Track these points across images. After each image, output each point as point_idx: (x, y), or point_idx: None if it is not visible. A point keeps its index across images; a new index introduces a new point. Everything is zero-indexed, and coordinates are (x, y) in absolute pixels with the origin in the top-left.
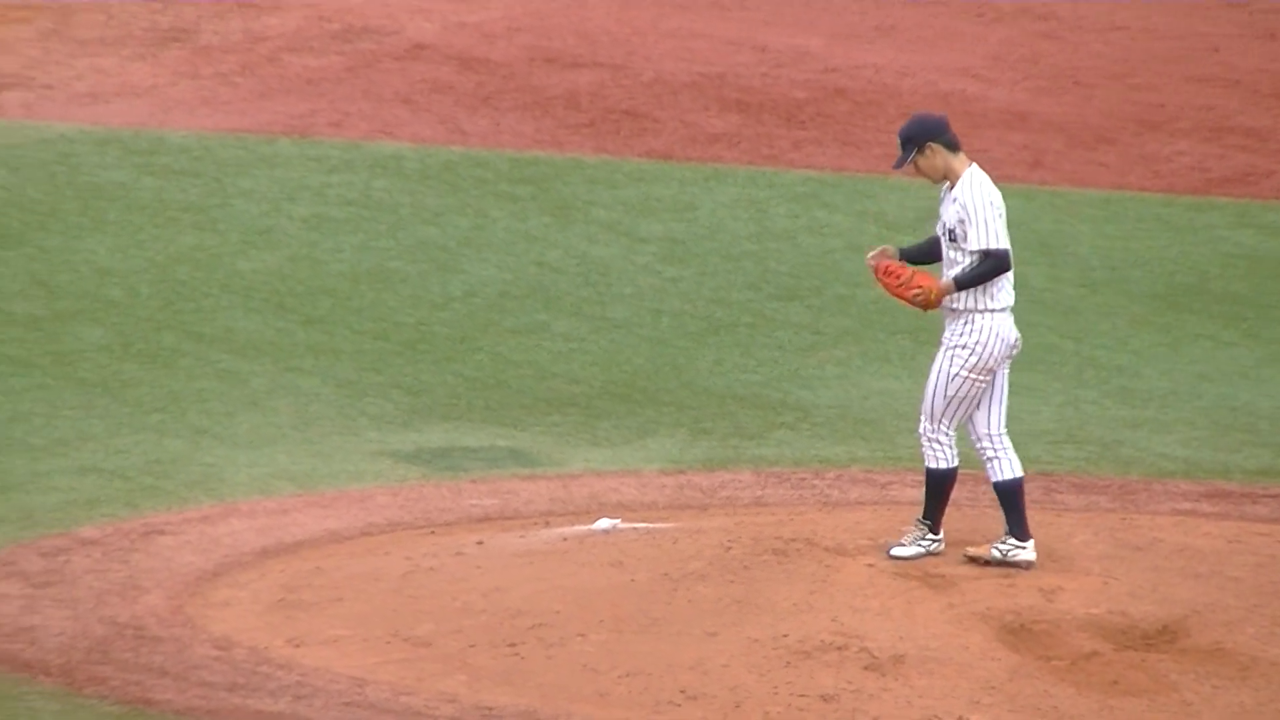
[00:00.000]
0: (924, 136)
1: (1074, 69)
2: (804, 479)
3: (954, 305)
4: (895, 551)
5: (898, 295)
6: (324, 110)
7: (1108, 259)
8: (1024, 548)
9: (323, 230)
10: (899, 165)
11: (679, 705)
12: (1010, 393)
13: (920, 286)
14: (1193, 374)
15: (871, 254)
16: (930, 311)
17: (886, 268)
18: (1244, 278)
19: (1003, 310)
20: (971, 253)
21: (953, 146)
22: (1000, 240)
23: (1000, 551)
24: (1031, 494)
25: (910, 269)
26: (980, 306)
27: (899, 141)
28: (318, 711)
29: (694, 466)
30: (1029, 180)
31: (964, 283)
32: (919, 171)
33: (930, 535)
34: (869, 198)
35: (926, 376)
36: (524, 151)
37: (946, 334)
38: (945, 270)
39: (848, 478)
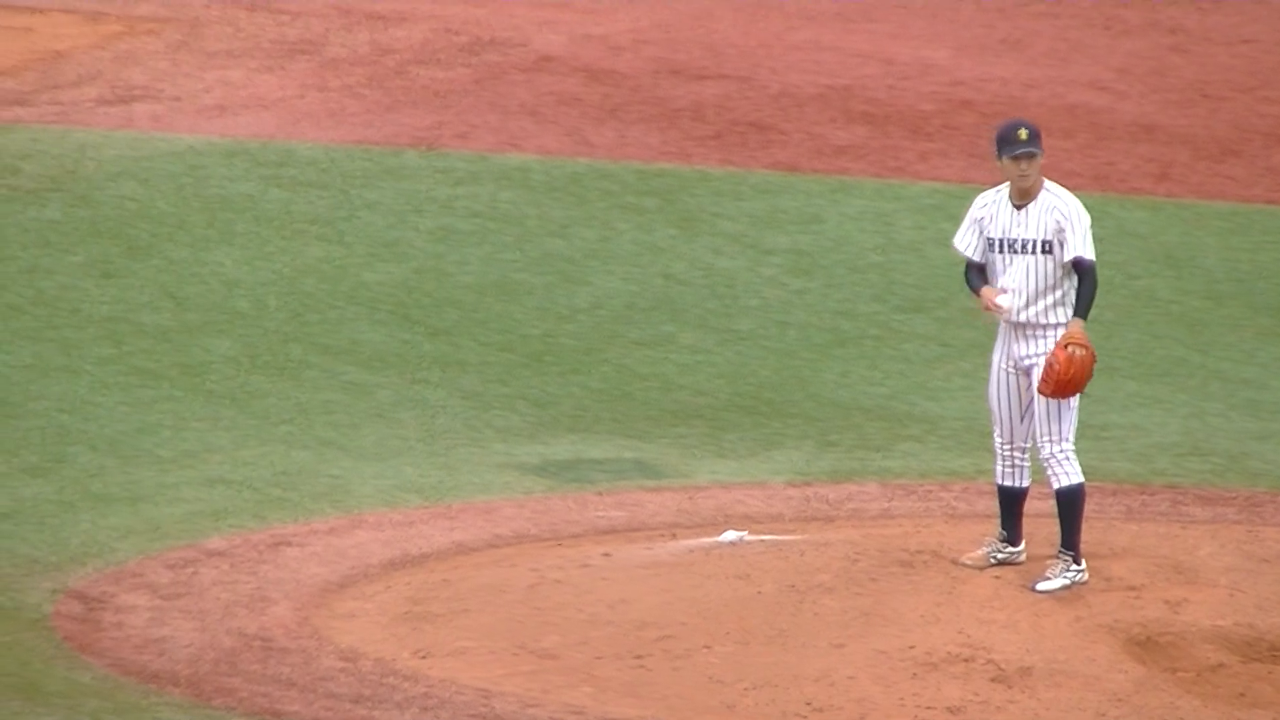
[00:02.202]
0: (1041, 141)
1: (1202, 81)
2: (930, 491)
3: (1042, 320)
4: (1041, 586)
5: (1087, 374)
6: (451, 123)
7: (1234, 271)
8: (1018, 551)
9: (449, 242)
10: (1036, 151)
11: (805, 717)
12: (1138, 404)
13: (1073, 360)
14: None
15: (992, 299)
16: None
17: (1058, 369)
18: None
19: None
20: (1065, 263)
21: None
22: (1092, 250)
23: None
24: (1158, 506)
25: (1060, 353)
26: (1065, 320)
27: (1030, 132)
28: None
29: (820, 478)
30: (1155, 193)
31: (1084, 312)
32: (1026, 174)
33: (1075, 566)
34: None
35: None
36: (650, 163)
37: (1036, 350)
38: (1005, 287)
39: (974, 490)
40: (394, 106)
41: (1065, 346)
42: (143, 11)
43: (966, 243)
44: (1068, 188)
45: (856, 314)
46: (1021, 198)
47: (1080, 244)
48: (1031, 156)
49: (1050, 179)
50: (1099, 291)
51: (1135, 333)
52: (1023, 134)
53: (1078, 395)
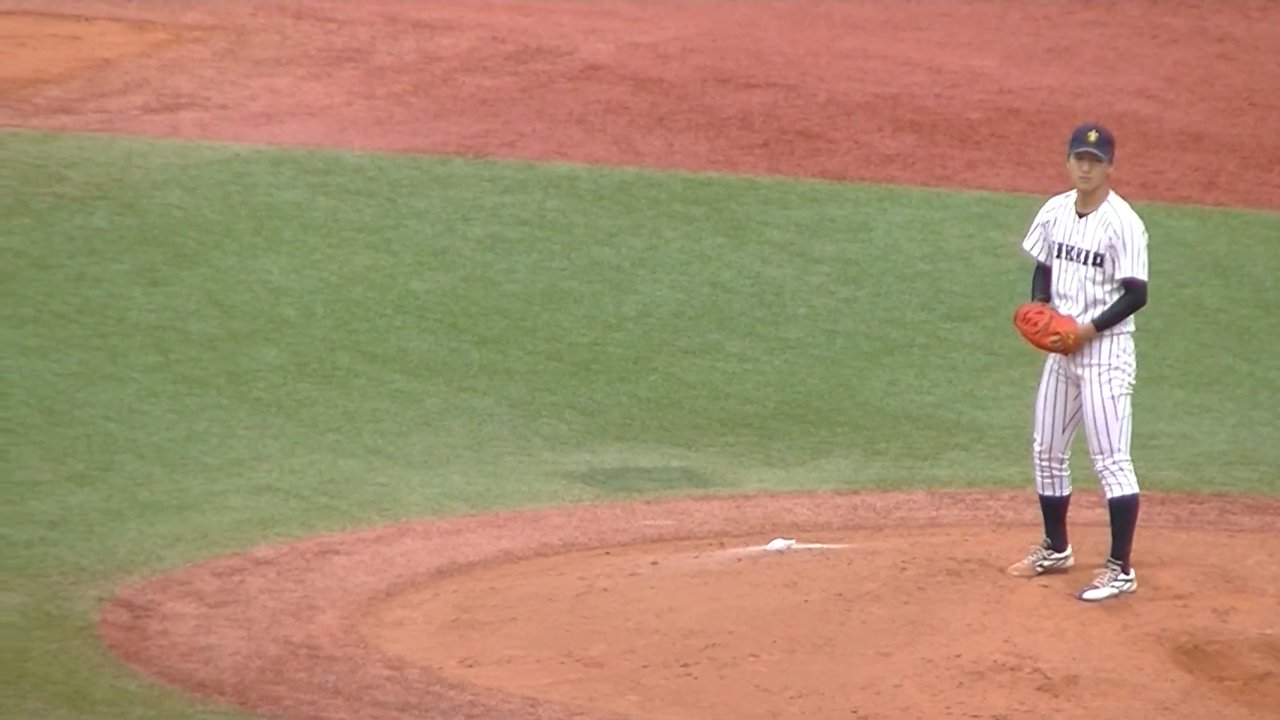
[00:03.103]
0: (1113, 153)
1: (1250, 90)
2: (978, 500)
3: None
4: (1088, 595)
5: (1035, 342)
6: (498, 130)
7: None
8: (1065, 556)
9: (497, 250)
10: (1102, 154)
11: None
12: (1186, 413)
13: (1057, 332)
14: None
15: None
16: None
17: (1024, 314)
18: None
19: (1133, 331)
20: (1116, 280)
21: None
22: (1144, 271)
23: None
24: (1206, 515)
25: (1048, 313)
26: (1121, 329)
27: (1099, 135)
28: None
29: (868, 487)
30: (1203, 201)
31: (1104, 324)
32: (1088, 177)
33: (1123, 575)
34: None
35: (1060, 408)
36: (698, 172)
37: (1088, 359)
38: (1062, 294)
39: (1022, 499)
40: (441, 114)
41: (1031, 322)
42: (189, 20)
43: (1032, 242)
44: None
45: (904, 322)
46: (1084, 205)
47: (1131, 264)
48: (1095, 159)
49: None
50: (1149, 304)
51: (1183, 341)
52: (1091, 135)
53: (1127, 404)
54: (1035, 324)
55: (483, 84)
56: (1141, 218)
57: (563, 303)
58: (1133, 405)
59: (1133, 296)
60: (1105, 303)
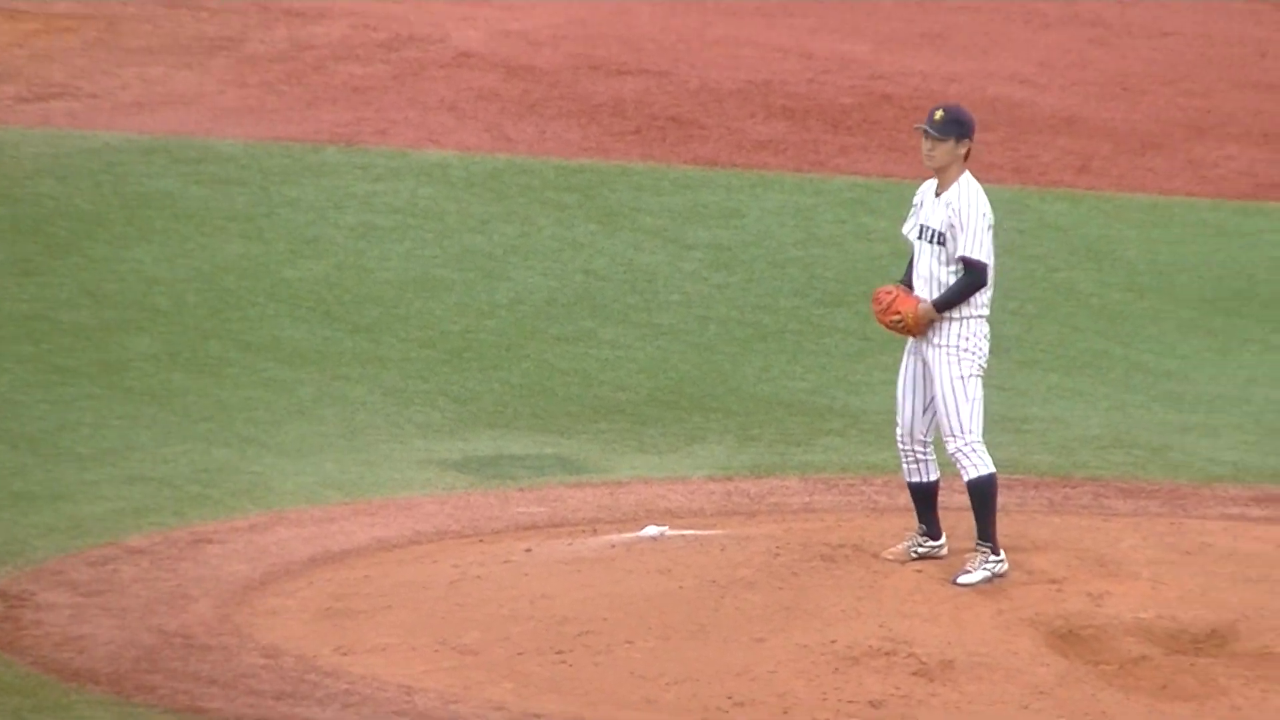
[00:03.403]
0: (968, 132)
1: (1122, 74)
2: (852, 485)
3: (949, 313)
4: (961, 580)
5: (880, 322)
6: (370, 118)
7: (1155, 264)
8: (939, 545)
9: (369, 239)
10: (938, 133)
11: (727, 712)
12: (1060, 397)
13: (899, 312)
14: (1241, 378)
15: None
16: (919, 331)
17: (875, 295)
18: None
19: (988, 315)
20: (955, 259)
21: (968, 154)
22: (984, 252)
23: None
24: (1080, 499)
25: (895, 293)
26: (973, 312)
27: (944, 115)
28: None
29: (742, 473)
30: (1076, 185)
31: (943, 305)
32: (930, 155)
33: (994, 557)
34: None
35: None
36: (570, 159)
37: (937, 340)
38: (918, 275)
39: (895, 483)
40: (313, 102)
41: (877, 301)
42: (61, 9)
43: (908, 226)
44: (988, 181)
45: (777, 308)
46: (940, 185)
47: (968, 243)
48: (935, 138)
49: (974, 172)
50: (1022, 288)
51: (1056, 325)
52: (937, 115)
53: (978, 385)
54: (881, 303)
55: (355, 72)
56: (1014, 203)
57: (435, 290)
58: (1002, 389)
59: (970, 277)
60: (949, 282)
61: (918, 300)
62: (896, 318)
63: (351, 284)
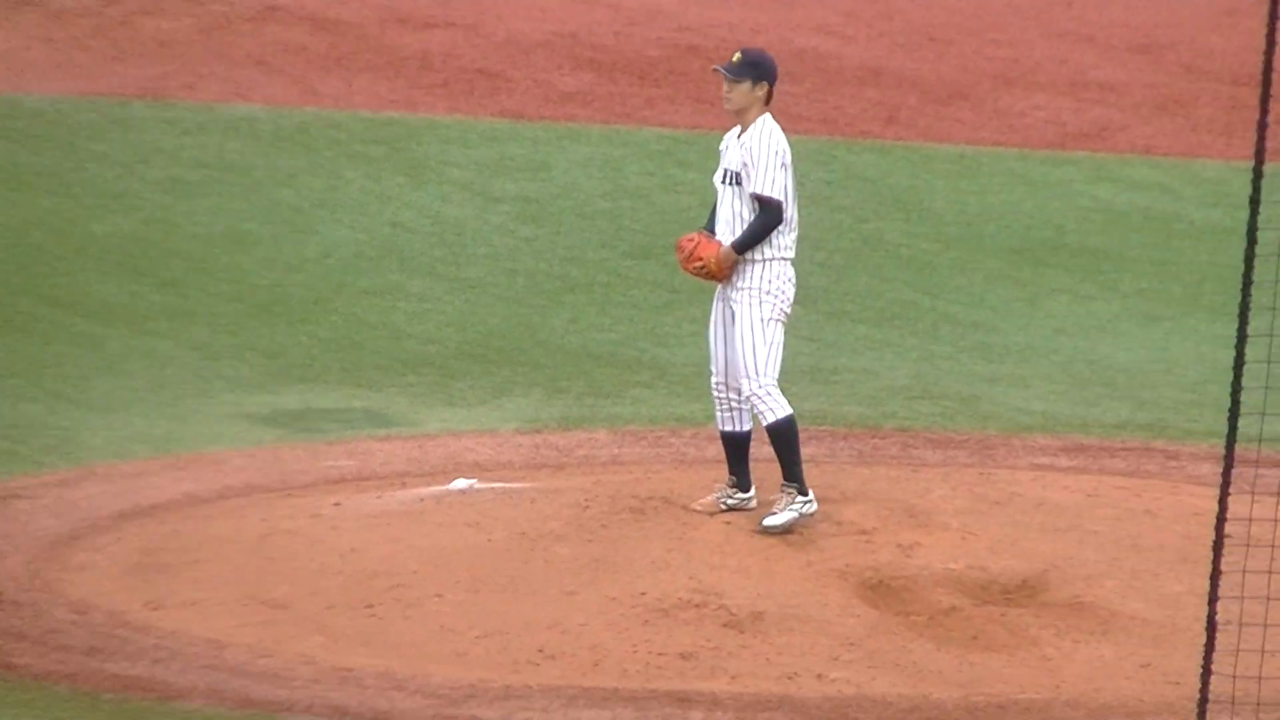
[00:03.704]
0: (767, 75)
1: (929, 25)
2: (661, 437)
3: (748, 255)
4: (768, 522)
5: (684, 269)
6: (178, 73)
7: (963, 214)
8: (748, 498)
9: (177, 193)
10: (734, 75)
11: (537, 665)
12: (868, 348)
13: (701, 258)
14: (1050, 328)
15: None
16: (722, 276)
17: (678, 243)
18: (1101, 232)
19: (792, 259)
20: (750, 195)
21: (770, 99)
22: (777, 190)
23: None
24: (889, 450)
25: (696, 239)
26: (775, 254)
27: (741, 57)
28: (176, 674)
29: (550, 426)
30: (884, 136)
31: (742, 246)
32: (728, 98)
33: (800, 497)
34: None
35: (729, 337)
36: (378, 112)
37: (740, 283)
38: (721, 217)
39: (704, 435)
40: (120, 57)
41: (680, 249)
42: None
43: (715, 179)
44: (797, 132)
45: (585, 261)
46: (741, 129)
47: (760, 179)
48: (732, 81)
49: (783, 124)
50: (831, 239)
51: (865, 276)
52: (734, 56)
53: (778, 330)
54: (684, 251)
55: (161, 26)
56: (821, 154)
57: (243, 245)
58: (811, 340)
59: (765, 216)
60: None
61: (718, 244)
62: (699, 264)
63: (159, 239)
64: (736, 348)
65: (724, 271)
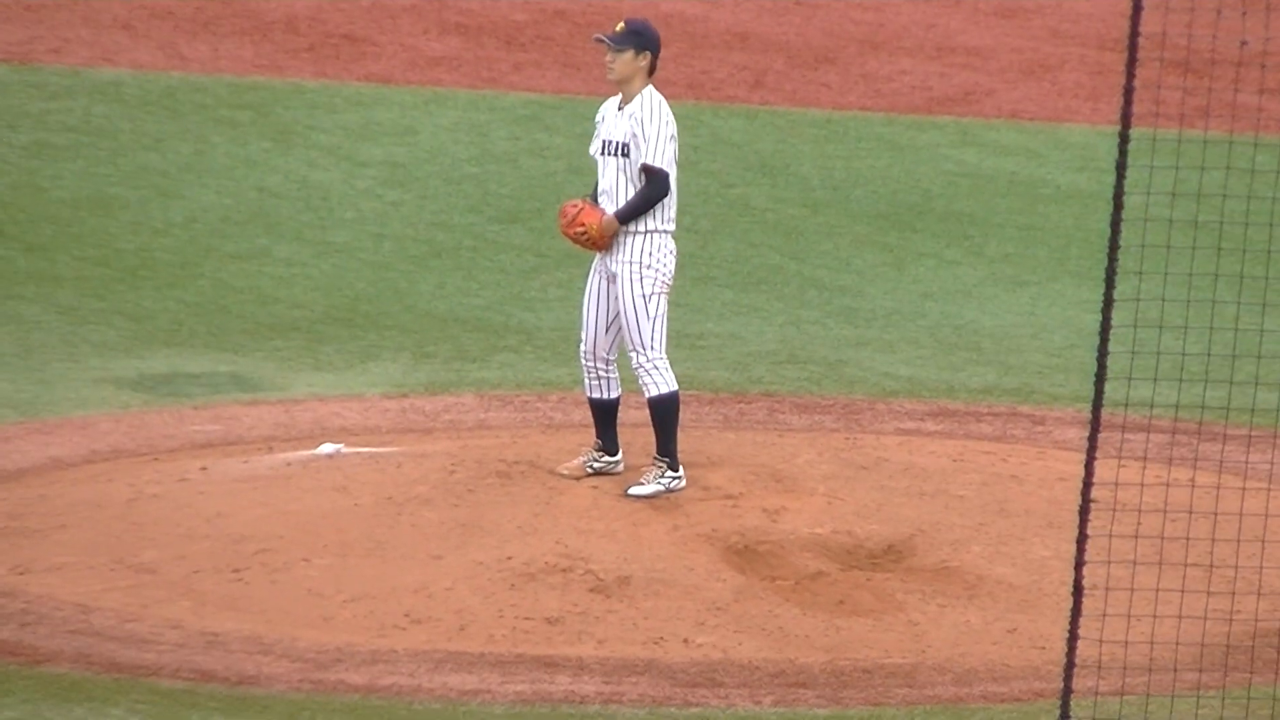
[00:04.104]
0: (650, 45)
1: None
2: (527, 402)
3: (630, 228)
4: (634, 490)
5: (566, 235)
6: (44, 37)
7: (830, 179)
8: (615, 461)
9: (43, 157)
10: (617, 44)
11: (404, 629)
12: (735, 313)
13: (584, 224)
14: (917, 293)
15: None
16: (603, 248)
17: (561, 209)
18: (967, 196)
19: (673, 231)
20: (639, 167)
21: (654, 69)
22: (667, 161)
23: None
24: (755, 414)
25: (581, 205)
26: (658, 227)
27: (624, 26)
28: (43, 639)
29: (417, 390)
30: (750, 101)
31: (625, 216)
32: (611, 67)
33: (671, 472)
34: (590, 120)
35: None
36: (244, 76)
37: (621, 256)
38: (603, 190)
39: (571, 400)
40: None
41: (563, 214)
42: None
43: (593, 146)
44: (664, 96)
45: (452, 225)
46: (624, 99)
47: (649, 150)
48: (615, 50)
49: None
50: (698, 204)
51: (731, 241)
52: (618, 26)
53: (661, 302)
54: (567, 216)
55: None
56: (688, 118)
57: (109, 209)
58: (678, 305)
59: (651, 187)
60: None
61: (602, 213)
62: (581, 230)
63: (25, 203)
64: (623, 322)
65: (604, 240)
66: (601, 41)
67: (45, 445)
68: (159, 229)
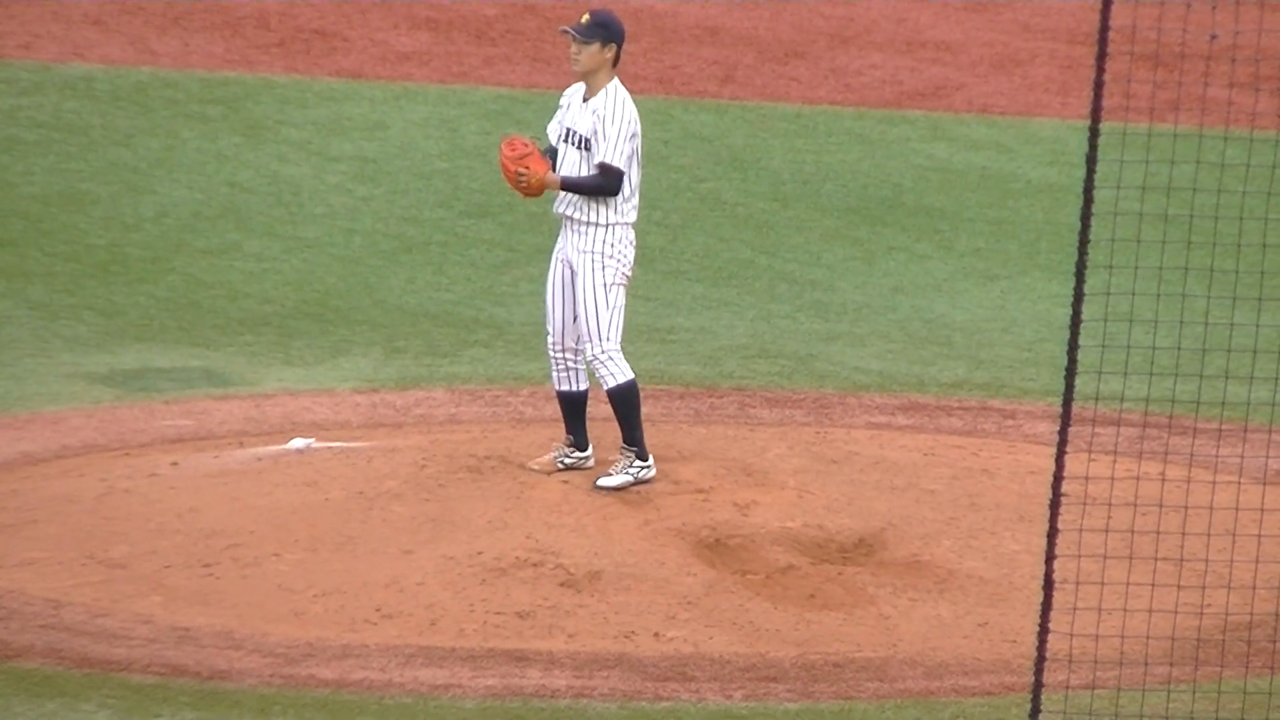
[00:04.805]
0: (616, 37)
1: None
2: (498, 396)
3: (583, 217)
4: (602, 482)
5: (505, 168)
6: (14, 32)
7: (800, 173)
8: (586, 456)
9: (13, 153)
10: (584, 36)
11: (375, 624)
12: (705, 307)
13: (527, 169)
14: (887, 287)
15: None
16: (529, 198)
17: (511, 140)
18: (937, 191)
19: (634, 222)
20: (595, 164)
21: (617, 60)
22: (623, 160)
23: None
24: (726, 409)
25: (531, 149)
26: (618, 220)
27: (590, 18)
28: (14, 634)
29: (388, 385)
30: (720, 95)
31: (570, 186)
32: (576, 59)
33: (639, 461)
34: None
35: (567, 299)
36: (214, 72)
37: (582, 246)
38: (561, 173)
39: (542, 395)
40: None
41: (514, 147)
42: None
43: (552, 125)
44: (633, 91)
45: (423, 220)
46: (589, 90)
47: (608, 149)
48: (582, 42)
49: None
50: (669, 199)
51: (702, 236)
52: (584, 18)
53: (620, 294)
54: (515, 150)
55: None
56: (658, 113)
57: (80, 204)
58: (648, 299)
59: (603, 179)
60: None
61: (548, 167)
62: (522, 172)
63: None
64: (579, 312)
65: (537, 192)
66: (567, 33)
67: (16, 440)
68: (130, 224)
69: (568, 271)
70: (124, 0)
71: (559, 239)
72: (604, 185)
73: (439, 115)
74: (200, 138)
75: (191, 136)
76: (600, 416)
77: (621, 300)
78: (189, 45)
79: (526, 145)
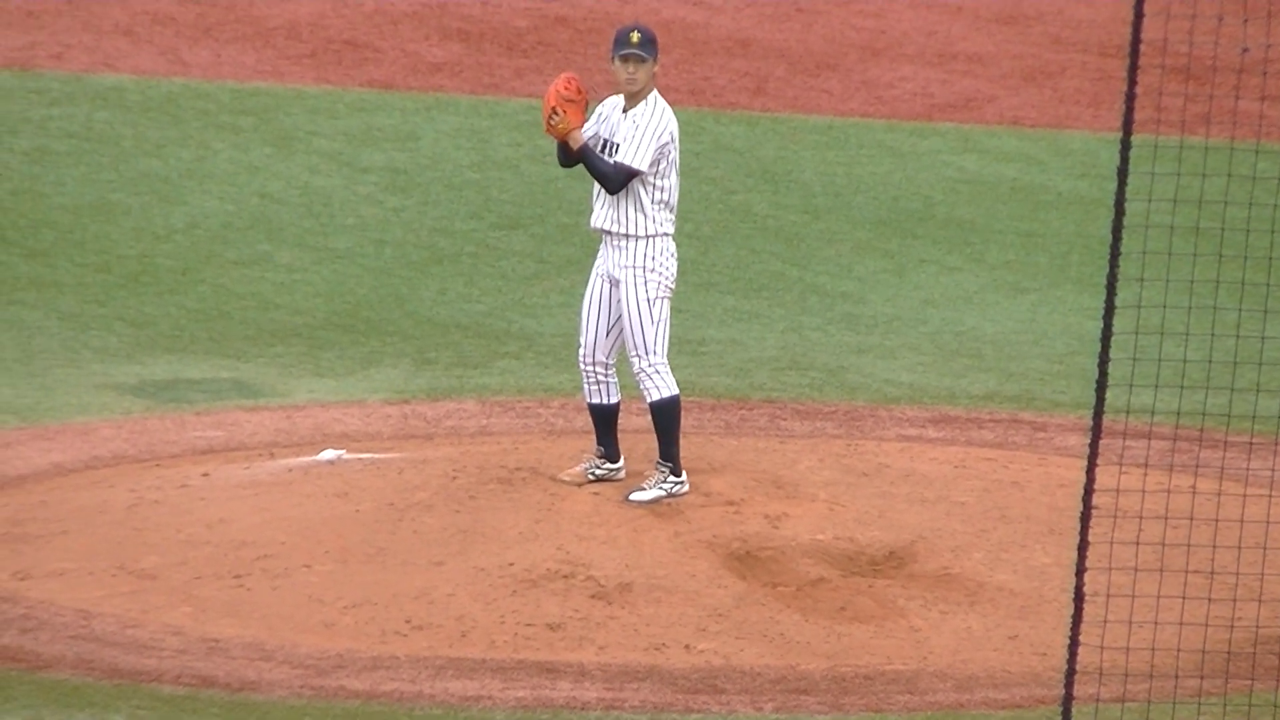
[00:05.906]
0: (656, 51)
1: None
2: (529, 408)
3: (624, 230)
4: (635, 496)
5: (549, 97)
6: (45, 43)
7: (831, 186)
8: (617, 468)
9: (44, 163)
10: (645, 54)
11: (405, 635)
12: (736, 319)
13: (566, 111)
14: (918, 299)
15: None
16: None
17: (570, 79)
18: (968, 203)
19: (672, 234)
20: (612, 161)
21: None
22: (638, 163)
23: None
24: (757, 421)
25: (579, 101)
26: (655, 231)
27: (641, 35)
28: (44, 645)
29: (418, 396)
30: (752, 108)
31: (587, 155)
32: (633, 79)
33: (673, 477)
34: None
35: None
36: (245, 82)
37: (623, 261)
38: (594, 190)
39: (572, 406)
40: None
41: (571, 85)
42: None
43: (588, 130)
44: (666, 102)
45: (453, 231)
46: (630, 103)
47: (630, 151)
48: (639, 60)
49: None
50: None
51: (733, 248)
52: (634, 37)
53: (664, 307)
54: (569, 91)
55: None
56: (690, 125)
57: (111, 215)
58: (680, 311)
59: (615, 172)
60: (636, 196)
61: (582, 124)
62: (559, 114)
63: (26, 209)
64: (625, 326)
65: (559, 136)
66: (632, 55)
67: (46, 451)
68: (160, 235)
69: (608, 286)
70: (155, 10)
71: (599, 255)
72: (611, 176)
73: (470, 126)
74: (231, 148)
75: (223, 147)
76: (631, 429)
77: (666, 313)
78: (220, 56)
79: (580, 94)
